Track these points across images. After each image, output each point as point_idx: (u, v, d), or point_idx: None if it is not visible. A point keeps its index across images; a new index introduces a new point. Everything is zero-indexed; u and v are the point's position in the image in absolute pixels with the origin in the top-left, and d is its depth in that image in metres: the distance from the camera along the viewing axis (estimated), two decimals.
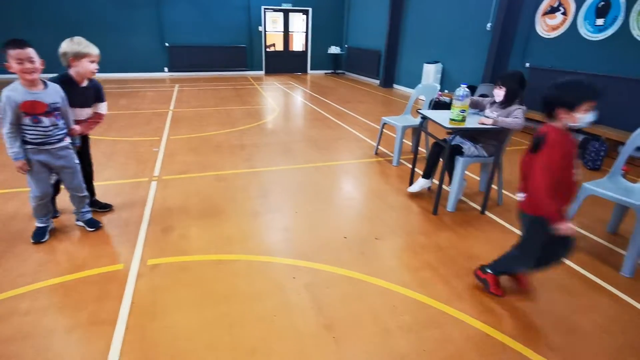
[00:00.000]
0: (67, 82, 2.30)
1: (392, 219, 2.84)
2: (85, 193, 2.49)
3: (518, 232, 2.70)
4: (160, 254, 2.31)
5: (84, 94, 2.42)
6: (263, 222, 2.76)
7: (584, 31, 5.08)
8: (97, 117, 2.56)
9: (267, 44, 12.44)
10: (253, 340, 1.69)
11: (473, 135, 2.96)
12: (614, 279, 2.20)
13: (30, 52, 1.99)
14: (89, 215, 2.56)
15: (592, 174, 3.97)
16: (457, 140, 2.95)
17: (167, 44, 10.59)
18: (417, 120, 4.05)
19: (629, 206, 2.23)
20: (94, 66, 2.34)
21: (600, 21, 4.87)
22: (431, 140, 3.87)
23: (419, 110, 3.19)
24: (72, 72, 2.32)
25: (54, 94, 2.16)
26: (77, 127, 2.38)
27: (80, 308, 1.84)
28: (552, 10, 5.48)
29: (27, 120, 2.08)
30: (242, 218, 2.80)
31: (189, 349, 1.64)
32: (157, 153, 4.14)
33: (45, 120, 2.13)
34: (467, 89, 2.65)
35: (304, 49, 12.82)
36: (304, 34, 12.62)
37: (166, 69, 10.78)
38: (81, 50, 2.26)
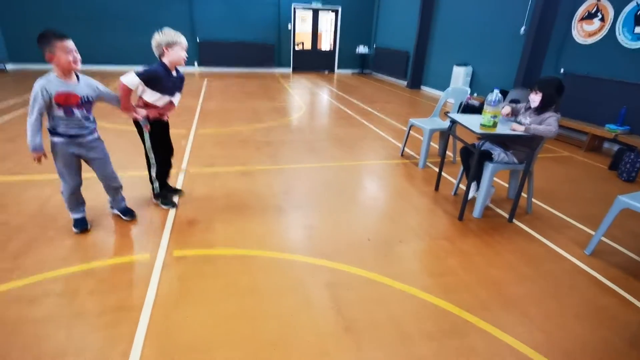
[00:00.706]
0: (165, 69, 2.42)
1: (416, 222, 2.81)
2: (120, 183, 2.56)
3: (546, 241, 2.61)
4: (186, 246, 2.37)
5: (175, 83, 2.53)
6: (286, 219, 2.79)
7: (622, 38, 4.84)
8: (169, 106, 2.61)
9: (296, 42, 12.52)
10: (273, 335, 1.71)
11: (503, 141, 2.87)
12: None
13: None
14: (124, 204, 2.64)
15: (628, 185, 3.78)
16: (487, 145, 2.87)
17: (198, 40, 10.84)
18: (445, 124, 3.97)
19: None
20: (184, 54, 2.45)
21: (639, 29, 4.62)
22: (459, 145, 3.80)
23: (448, 114, 3.13)
24: (165, 60, 2.42)
25: (87, 87, 2.20)
26: (143, 112, 2.43)
27: (108, 294, 1.91)
28: (590, 16, 5.24)
29: (60, 112, 2.10)
30: (266, 214, 2.83)
31: (210, 338, 1.67)
32: (186, 146, 4.25)
33: (78, 113, 2.16)
34: (500, 94, 2.58)
35: (332, 48, 12.81)
36: (333, 32, 12.61)
37: (196, 64, 11.04)
38: (173, 39, 2.38)
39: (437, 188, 3.41)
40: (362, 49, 12.56)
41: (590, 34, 5.23)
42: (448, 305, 1.95)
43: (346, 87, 9.66)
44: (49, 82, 2.04)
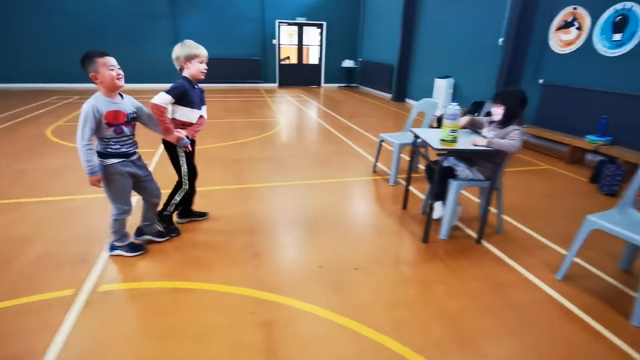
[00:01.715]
0: (189, 82, 2.37)
1: (377, 246, 2.61)
2: (160, 197, 2.49)
3: (515, 265, 2.42)
4: (116, 279, 2.15)
5: (199, 95, 2.47)
6: (234, 244, 2.58)
7: (600, 47, 4.74)
8: (201, 120, 2.53)
9: (282, 57, 12.49)
10: None
11: (468, 156, 2.71)
12: (620, 328, 1.89)
13: None
14: (157, 226, 2.55)
15: (609, 200, 3.61)
16: (451, 161, 2.71)
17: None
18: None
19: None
20: (203, 66, 2.39)
21: (617, 36, 4.53)
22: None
23: (411, 129, 2.97)
24: (186, 74, 2.37)
25: (130, 104, 2.19)
26: (183, 132, 2.38)
27: (5, 341, 1.69)
28: (567, 25, 5.16)
29: (109, 132, 2.07)
30: (213, 240, 2.62)
31: None
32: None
33: (126, 130, 2.14)
34: (458, 107, 2.42)
35: (318, 62, 12.79)
36: (318, 47, 12.61)
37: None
38: (192, 52, 2.32)
39: (405, 207, 3.22)
40: (348, 63, 12.55)
41: (568, 43, 5.15)
42: (397, 345, 1.74)
43: (330, 101, 9.56)
44: (98, 102, 2.02)
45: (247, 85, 11.75)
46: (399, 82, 9.64)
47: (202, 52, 2.38)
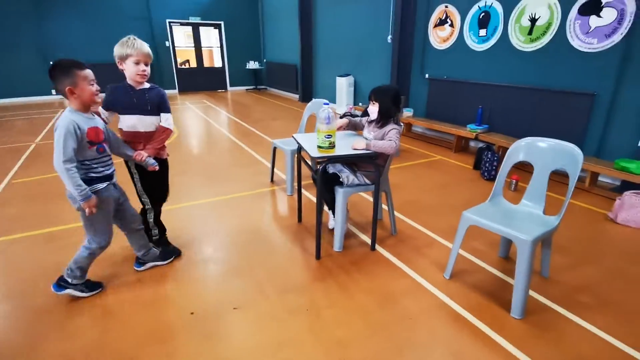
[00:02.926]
0: (121, 88, 2.08)
1: (264, 273, 2.33)
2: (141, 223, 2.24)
3: (407, 269, 2.34)
4: None
5: (141, 97, 2.10)
6: (78, 300, 2.09)
7: (470, 42, 5.13)
8: (161, 131, 2.21)
9: (180, 60, 11.58)
10: None
11: (351, 161, 2.58)
12: (502, 324, 1.90)
13: None
14: (155, 249, 2.35)
15: (489, 185, 3.83)
16: (337, 167, 2.55)
17: (52, 63, 9.26)
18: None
19: (509, 238, 1.95)
20: (141, 67, 2.02)
21: (483, 32, 4.92)
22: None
23: (293, 135, 2.75)
24: (127, 78, 2.08)
25: (99, 120, 1.95)
26: (143, 153, 2.11)
27: None
28: (441, 23, 5.50)
29: (92, 152, 1.84)
30: (46, 302, 2.09)
31: None
32: None
33: (107, 148, 1.93)
34: (330, 110, 2.25)
35: (222, 65, 12.14)
36: (219, 48, 11.96)
37: (54, 92, 9.44)
38: (123, 51, 1.99)
39: (299, 219, 3.02)
40: (252, 64, 12.14)
41: (444, 39, 5.47)
42: None
43: (234, 106, 9.09)
44: (77, 118, 1.78)
45: None
46: (304, 82, 9.55)
47: (137, 49, 1.99)
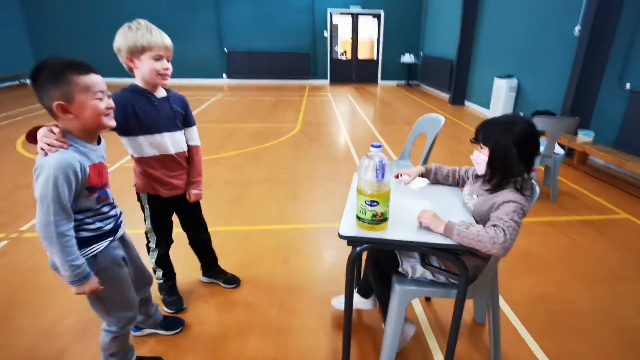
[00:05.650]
0: (137, 94, 1.53)
1: None
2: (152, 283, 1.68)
3: None
4: None
5: (166, 106, 1.61)
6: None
7: None
8: (195, 152, 1.78)
9: (336, 50, 11.67)
10: None
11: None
12: None
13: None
14: (159, 314, 1.79)
15: None
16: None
17: (226, 49, 10.55)
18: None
19: None
20: (161, 64, 1.50)
21: None
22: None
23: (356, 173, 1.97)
24: (137, 78, 1.54)
25: (103, 147, 1.29)
26: (194, 191, 1.77)
27: None
28: None
29: (90, 201, 1.20)
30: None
31: None
32: None
33: (109, 191, 1.30)
34: (382, 155, 1.30)
35: (376, 57, 11.65)
36: (376, 39, 11.47)
37: (225, 75, 10.78)
38: (138, 42, 1.44)
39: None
40: (407, 58, 11.18)
41: None
42: None
43: (374, 102, 8.52)
44: (71, 154, 1.12)
45: (295, 82, 11.16)
46: (458, 80, 8.13)
47: (158, 40, 1.46)
